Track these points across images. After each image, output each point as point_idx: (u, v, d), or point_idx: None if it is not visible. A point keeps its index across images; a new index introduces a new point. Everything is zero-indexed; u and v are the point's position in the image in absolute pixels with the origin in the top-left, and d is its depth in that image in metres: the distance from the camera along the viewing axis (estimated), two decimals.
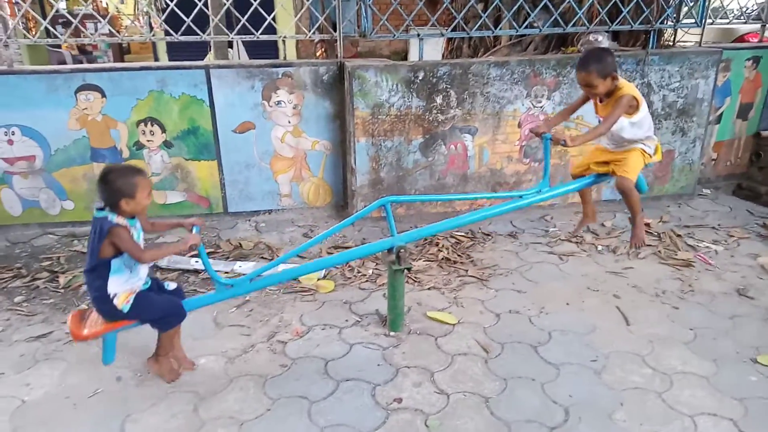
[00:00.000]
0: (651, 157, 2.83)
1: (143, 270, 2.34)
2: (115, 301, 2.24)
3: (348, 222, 2.78)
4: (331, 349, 2.70)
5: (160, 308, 2.35)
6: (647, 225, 4.03)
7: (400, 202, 2.79)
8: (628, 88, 2.67)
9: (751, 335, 2.81)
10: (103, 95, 3.79)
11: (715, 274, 3.44)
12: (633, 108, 2.67)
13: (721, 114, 4.81)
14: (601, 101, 2.76)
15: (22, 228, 3.98)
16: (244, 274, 3.34)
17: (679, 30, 4.65)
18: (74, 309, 2.42)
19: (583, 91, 2.79)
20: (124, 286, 2.26)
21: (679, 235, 3.95)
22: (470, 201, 4.24)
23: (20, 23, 3.87)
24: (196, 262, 3.48)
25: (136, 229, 2.26)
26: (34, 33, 3.73)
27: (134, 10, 4.49)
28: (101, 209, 2.19)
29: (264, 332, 2.84)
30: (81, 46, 9.87)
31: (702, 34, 4.55)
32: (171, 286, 2.51)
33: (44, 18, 3.74)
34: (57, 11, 3.73)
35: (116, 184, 2.15)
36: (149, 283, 2.39)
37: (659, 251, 3.71)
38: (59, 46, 8.96)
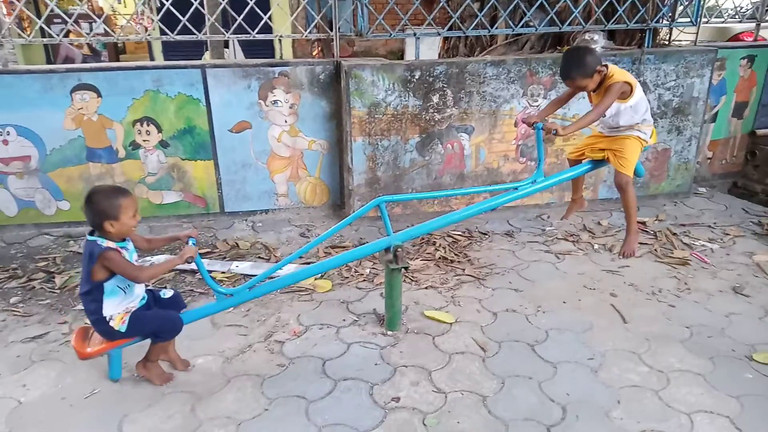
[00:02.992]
0: (647, 142, 2.83)
1: (138, 288, 2.33)
2: (111, 323, 2.25)
3: (344, 224, 2.78)
4: (329, 349, 2.70)
5: (155, 324, 2.35)
6: (642, 224, 4.05)
7: (395, 201, 2.81)
8: (619, 74, 2.67)
9: (747, 333, 2.82)
10: (99, 95, 3.77)
11: (711, 273, 3.45)
12: (626, 93, 2.68)
13: (717, 113, 4.83)
14: (594, 91, 2.78)
15: (17, 228, 3.97)
16: (241, 275, 3.38)
17: (674, 29, 4.67)
18: (78, 326, 2.47)
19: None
20: (119, 307, 2.26)
21: (675, 234, 3.96)
22: (467, 198, 4.25)
23: (14, 23, 3.85)
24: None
25: (128, 251, 2.24)
26: (28, 33, 3.71)
27: (135, 9, 4.46)
28: (92, 233, 2.18)
29: (261, 332, 2.84)
30: (91, 46, 9.78)
31: (697, 33, 4.57)
32: (167, 294, 2.48)
33: (39, 17, 3.71)
34: (52, 11, 3.72)
35: (99, 206, 2.12)
36: (145, 299, 2.38)
37: (655, 249, 3.73)
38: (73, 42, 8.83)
